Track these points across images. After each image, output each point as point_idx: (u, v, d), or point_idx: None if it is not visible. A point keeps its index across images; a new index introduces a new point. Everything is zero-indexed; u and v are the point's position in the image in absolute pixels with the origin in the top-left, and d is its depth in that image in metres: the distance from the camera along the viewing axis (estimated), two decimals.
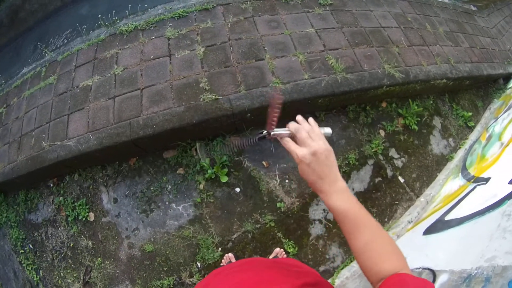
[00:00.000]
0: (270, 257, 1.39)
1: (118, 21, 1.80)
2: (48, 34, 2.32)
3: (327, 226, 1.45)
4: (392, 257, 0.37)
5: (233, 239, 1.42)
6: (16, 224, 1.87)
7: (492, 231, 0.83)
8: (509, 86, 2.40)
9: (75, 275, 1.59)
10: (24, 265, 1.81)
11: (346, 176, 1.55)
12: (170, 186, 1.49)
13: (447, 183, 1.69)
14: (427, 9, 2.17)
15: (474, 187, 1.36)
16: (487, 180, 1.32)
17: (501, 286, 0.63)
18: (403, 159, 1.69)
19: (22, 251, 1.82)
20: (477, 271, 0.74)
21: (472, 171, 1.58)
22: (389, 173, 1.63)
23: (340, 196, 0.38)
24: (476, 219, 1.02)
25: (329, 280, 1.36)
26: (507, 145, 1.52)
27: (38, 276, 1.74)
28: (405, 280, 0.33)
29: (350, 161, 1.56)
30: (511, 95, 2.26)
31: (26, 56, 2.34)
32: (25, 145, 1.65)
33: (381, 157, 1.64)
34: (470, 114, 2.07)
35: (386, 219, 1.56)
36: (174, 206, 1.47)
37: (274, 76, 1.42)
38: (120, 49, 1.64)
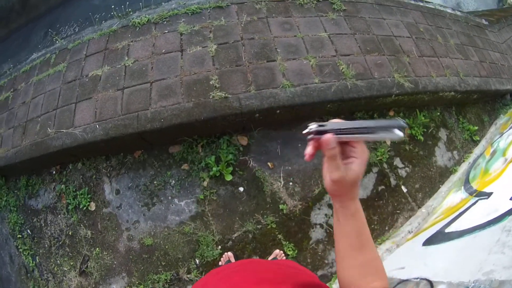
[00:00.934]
0: (269, 258, 1.39)
1: (131, 13, 1.80)
2: (59, 22, 2.32)
3: (327, 231, 1.45)
4: (382, 277, 0.37)
5: (233, 238, 1.42)
6: (15, 209, 1.87)
7: (492, 245, 0.83)
8: None
9: (71, 263, 1.59)
10: (20, 250, 1.81)
11: None
12: (173, 181, 1.49)
13: (449, 196, 1.69)
14: (440, 21, 2.17)
15: (476, 201, 1.36)
16: (489, 195, 1.32)
17: None
18: (407, 169, 1.69)
19: (20, 236, 1.82)
20: (475, 284, 0.74)
21: (475, 185, 1.58)
22: (393, 182, 1.63)
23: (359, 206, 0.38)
24: (476, 233, 1.02)
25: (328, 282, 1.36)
26: (511, 161, 1.52)
27: (34, 262, 1.74)
28: None
29: None
30: None
31: (36, 42, 2.34)
32: (30, 131, 1.65)
33: (385, 165, 1.64)
34: (476, 128, 2.07)
35: (386, 228, 1.56)
36: (177, 201, 1.47)
37: (285, 78, 1.42)
38: (131, 41, 1.64)
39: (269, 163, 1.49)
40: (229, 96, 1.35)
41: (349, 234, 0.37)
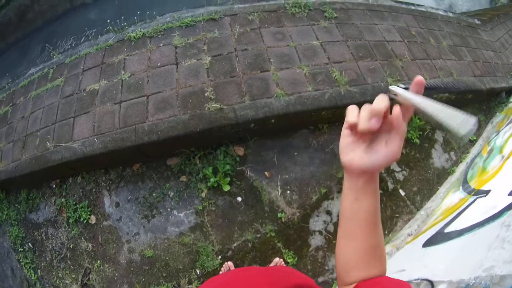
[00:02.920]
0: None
1: (126, 27, 1.83)
2: (56, 36, 2.35)
3: (327, 237, 1.46)
4: (384, 263, 0.36)
5: (233, 247, 1.42)
6: (16, 223, 1.88)
7: (491, 241, 0.83)
8: (511, 100, 2.42)
9: (73, 276, 1.60)
10: (22, 263, 1.82)
11: None
12: (172, 193, 1.50)
13: (448, 196, 1.70)
14: (431, 23, 2.20)
15: (474, 200, 1.36)
16: (487, 192, 1.32)
17: None
18: (404, 172, 1.70)
19: (21, 249, 1.83)
20: (475, 280, 0.74)
21: (473, 184, 1.59)
22: (390, 186, 1.63)
23: None
24: (476, 231, 1.02)
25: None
26: (508, 157, 1.52)
27: (36, 275, 1.74)
28: (381, 280, 0.33)
29: None
30: None
31: (33, 57, 2.37)
32: (30, 145, 1.67)
33: (382, 170, 1.65)
34: None
35: (386, 232, 1.57)
36: (176, 213, 1.48)
37: (279, 87, 1.44)
38: (128, 55, 1.67)
39: (266, 172, 1.50)
40: (224, 107, 1.37)
41: (369, 211, 0.34)
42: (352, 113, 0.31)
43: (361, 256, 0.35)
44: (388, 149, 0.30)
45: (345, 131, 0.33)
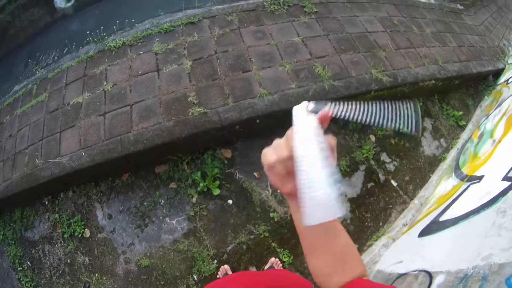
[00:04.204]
0: (266, 267, 1.40)
1: (106, 37, 1.81)
2: (39, 51, 2.33)
3: None
4: (359, 263, 0.36)
5: (228, 250, 1.42)
6: (13, 242, 1.87)
7: (487, 228, 0.83)
8: (499, 82, 2.42)
9: None
10: (23, 282, 1.82)
11: None
12: (163, 201, 1.50)
13: (441, 184, 1.70)
14: (413, 11, 2.19)
15: (468, 186, 1.36)
16: (480, 178, 1.32)
17: (498, 284, 0.62)
18: (395, 162, 1.70)
19: (21, 268, 1.82)
20: (474, 270, 0.73)
21: (465, 170, 1.59)
22: (382, 177, 1.64)
23: None
24: (471, 218, 1.01)
25: None
26: (499, 141, 1.52)
27: None
28: (367, 285, 0.32)
29: (341, 168, 1.57)
30: (501, 91, 2.27)
31: (17, 73, 2.35)
32: (19, 163, 1.65)
33: (372, 162, 1.65)
34: (461, 113, 2.08)
35: (380, 224, 1.57)
36: (168, 220, 1.48)
37: (262, 87, 1.43)
38: (109, 65, 1.65)
39: (255, 173, 1.50)
40: (208, 111, 1.36)
41: (327, 234, 0.34)
42: (266, 157, 0.32)
43: (329, 265, 0.35)
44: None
45: (270, 173, 0.34)
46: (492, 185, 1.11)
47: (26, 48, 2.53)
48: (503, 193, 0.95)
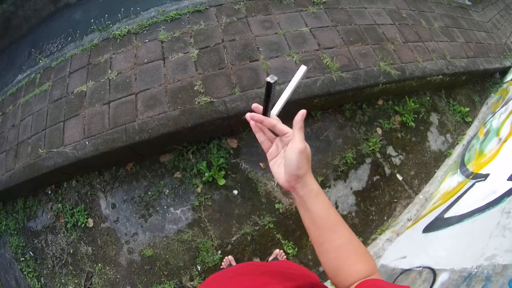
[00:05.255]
0: (270, 258, 1.39)
1: (111, 25, 1.79)
2: (42, 40, 2.31)
3: None
4: (366, 259, 0.36)
5: (232, 241, 1.42)
6: (16, 232, 1.87)
7: (492, 228, 0.82)
8: (505, 80, 2.40)
9: (76, 281, 1.59)
10: (25, 272, 1.81)
11: (344, 175, 1.55)
12: (167, 190, 1.49)
13: (446, 180, 1.69)
14: (422, 5, 2.16)
15: (473, 184, 1.35)
16: (486, 176, 1.31)
17: (502, 285, 0.62)
18: (400, 156, 1.69)
19: (23, 258, 1.82)
20: (478, 270, 0.73)
21: (471, 167, 1.58)
22: (387, 171, 1.62)
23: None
24: (476, 217, 1.01)
25: (328, 282, 1.36)
26: (505, 140, 1.51)
27: (39, 284, 1.74)
28: (380, 285, 0.32)
29: (348, 160, 1.56)
30: (507, 89, 2.25)
31: (20, 63, 2.33)
32: (22, 153, 1.64)
33: (378, 155, 1.64)
34: (467, 109, 2.06)
35: (385, 218, 1.56)
36: (172, 210, 1.47)
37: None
38: (113, 54, 1.63)
39: (261, 164, 1.48)
40: (214, 100, 1.34)
41: (321, 215, 0.36)
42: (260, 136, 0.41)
43: (337, 257, 0.36)
44: (288, 151, 0.37)
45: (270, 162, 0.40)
46: (497, 184, 1.09)
47: (29, 38, 2.50)
48: (508, 193, 0.94)
